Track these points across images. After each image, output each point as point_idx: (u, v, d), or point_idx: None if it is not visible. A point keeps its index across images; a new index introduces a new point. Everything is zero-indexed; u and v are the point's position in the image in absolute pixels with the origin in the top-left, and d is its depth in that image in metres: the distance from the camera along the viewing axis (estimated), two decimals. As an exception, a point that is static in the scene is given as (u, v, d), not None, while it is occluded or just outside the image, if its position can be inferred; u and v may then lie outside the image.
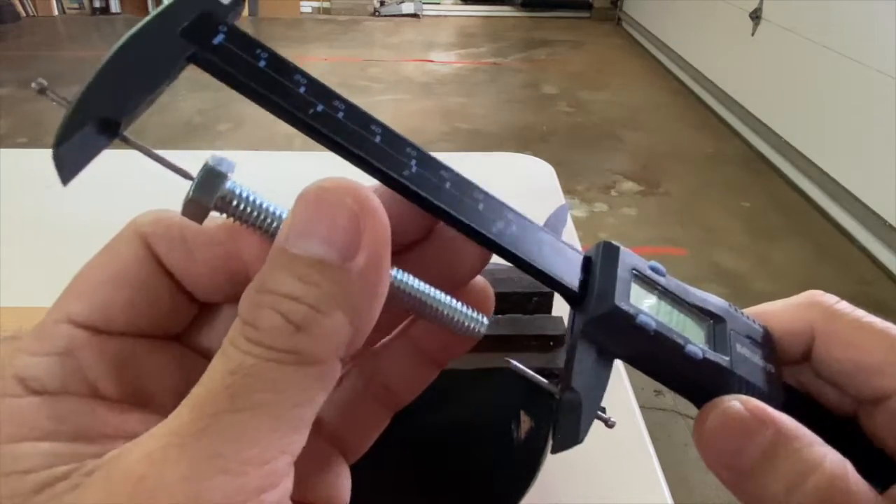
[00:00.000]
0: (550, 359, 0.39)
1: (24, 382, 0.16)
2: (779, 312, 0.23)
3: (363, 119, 0.19)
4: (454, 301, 0.20)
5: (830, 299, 0.23)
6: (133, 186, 0.73)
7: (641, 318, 0.20)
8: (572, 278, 0.21)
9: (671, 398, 1.67)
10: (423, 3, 6.15)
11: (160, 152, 0.19)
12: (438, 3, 6.37)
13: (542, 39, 5.27)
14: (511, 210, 0.20)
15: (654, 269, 0.22)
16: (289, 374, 0.15)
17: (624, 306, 0.20)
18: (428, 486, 0.39)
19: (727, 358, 0.21)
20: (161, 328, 0.20)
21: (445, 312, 0.20)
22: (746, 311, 0.23)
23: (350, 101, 0.19)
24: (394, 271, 0.19)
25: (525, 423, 0.39)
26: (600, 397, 0.20)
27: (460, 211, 0.19)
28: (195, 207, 0.17)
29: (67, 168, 0.16)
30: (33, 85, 0.17)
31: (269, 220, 0.18)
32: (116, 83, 0.17)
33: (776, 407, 0.19)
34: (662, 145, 3.25)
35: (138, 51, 0.18)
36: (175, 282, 0.19)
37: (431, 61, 4.56)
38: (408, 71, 4.32)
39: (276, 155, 0.91)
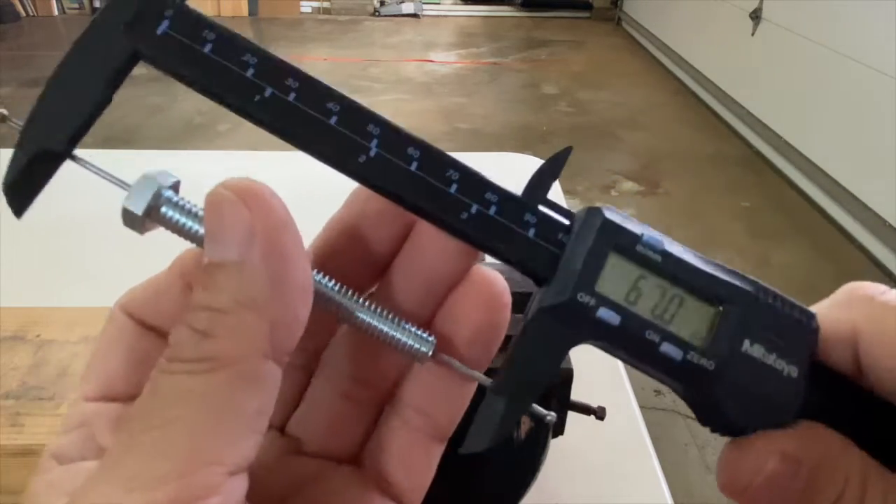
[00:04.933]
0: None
1: (56, 458, 0.18)
2: (823, 315, 0.19)
3: (319, 97, 0.18)
4: (391, 317, 0.19)
5: (873, 290, 0.18)
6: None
7: (602, 313, 0.18)
8: (538, 261, 0.19)
9: (671, 398, 1.67)
10: (423, 3, 6.15)
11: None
12: (438, 3, 6.36)
13: (542, 39, 5.27)
14: (492, 188, 0.19)
15: (646, 242, 0.19)
16: (200, 382, 0.15)
17: (583, 297, 0.18)
18: (428, 487, 0.39)
19: (716, 359, 0.18)
20: None
21: (378, 328, 0.19)
22: None
23: (307, 77, 0.18)
24: (325, 279, 0.18)
25: (525, 423, 0.39)
26: (535, 394, 0.18)
27: (423, 198, 0.18)
28: (128, 215, 0.17)
29: (19, 201, 0.17)
30: None
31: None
32: (55, 109, 0.17)
33: (788, 415, 0.18)
34: (662, 145, 3.25)
35: (80, 61, 0.17)
36: (164, 334, 0.20)
37: (431, 61, 4.56)
38: (408, 71, 4.32)
39: (276, 155, 0.91)
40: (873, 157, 2.34)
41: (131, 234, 0.19)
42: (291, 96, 0.18)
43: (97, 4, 5.54)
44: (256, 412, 0.15)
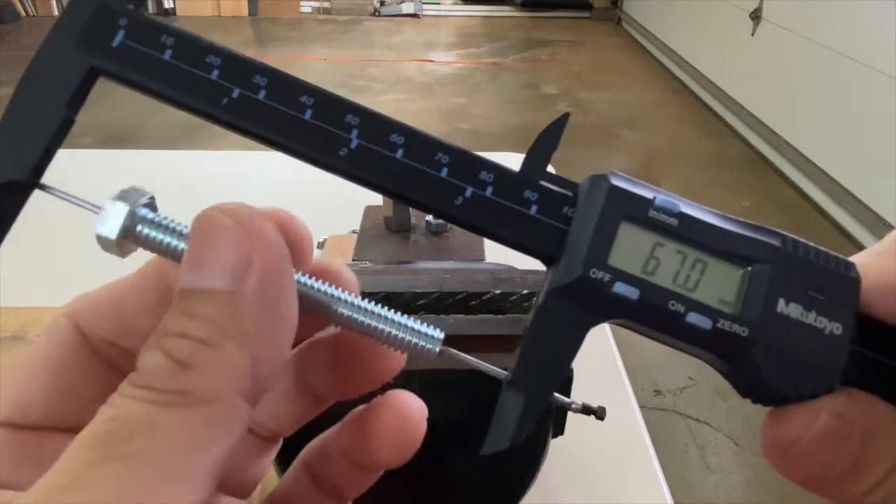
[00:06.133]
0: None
1: None
2: (867, 265, 0.17)
3: (291, 92, 0.17)
4: (397, 315, 0.18)
5: None
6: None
7: (619, 288, 0.17)
8: (543, 240, 0.18)
9: (671, 398, 1.67)
10: (423, 3, 6.15)
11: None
12: (438, 3, 6.36)
13: (542, 39, 5.27)
14: (486, 167, 0.18)
15: (660, 206, 0.17)
16: (172, 417, 0.14)
17: (595, 273, 0.17)
18: (428, 487, 0.39)
19: (750, 324, 0.17)
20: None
21: (379, 327, 0.18)
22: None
23: (276, 72, 0.17)
24: (318, 283, 0.18)
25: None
26: (554, 385, 0.17)
27: (412, 187, 0.17)
28: (104, 242, 0.17)
29: None
30: None
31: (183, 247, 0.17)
32: (16, 137, 0.16)
33: (835, 377, 0.17)
34: (662, 145, 3.25)
35: (36, 84, 0.17)
36: (114, 364, 0.18)
37: (431, 61, 4.56)
38: (408, 71, 4.32)
39: (276, 154, 0.91)
40: (873, 157, 2.34)
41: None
42: (261, 94, 0.17)
43: (97, 4, 5.54)
44: (222, 455, 0.14)
